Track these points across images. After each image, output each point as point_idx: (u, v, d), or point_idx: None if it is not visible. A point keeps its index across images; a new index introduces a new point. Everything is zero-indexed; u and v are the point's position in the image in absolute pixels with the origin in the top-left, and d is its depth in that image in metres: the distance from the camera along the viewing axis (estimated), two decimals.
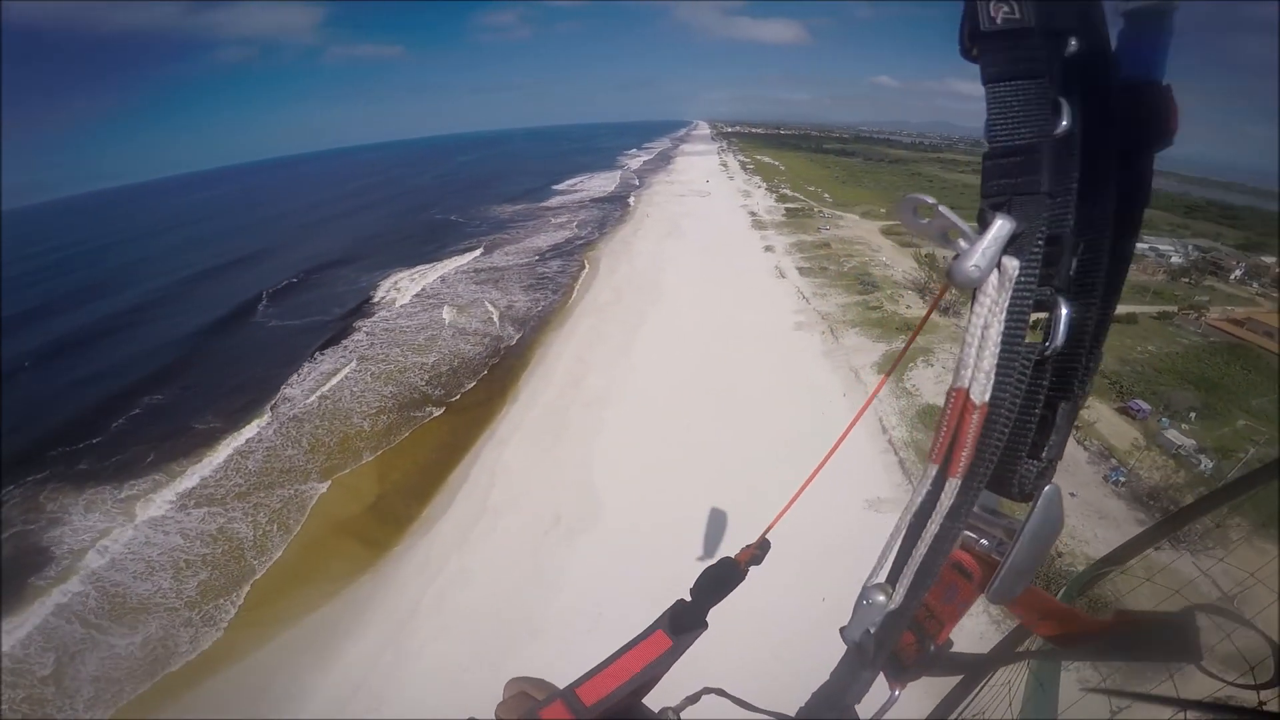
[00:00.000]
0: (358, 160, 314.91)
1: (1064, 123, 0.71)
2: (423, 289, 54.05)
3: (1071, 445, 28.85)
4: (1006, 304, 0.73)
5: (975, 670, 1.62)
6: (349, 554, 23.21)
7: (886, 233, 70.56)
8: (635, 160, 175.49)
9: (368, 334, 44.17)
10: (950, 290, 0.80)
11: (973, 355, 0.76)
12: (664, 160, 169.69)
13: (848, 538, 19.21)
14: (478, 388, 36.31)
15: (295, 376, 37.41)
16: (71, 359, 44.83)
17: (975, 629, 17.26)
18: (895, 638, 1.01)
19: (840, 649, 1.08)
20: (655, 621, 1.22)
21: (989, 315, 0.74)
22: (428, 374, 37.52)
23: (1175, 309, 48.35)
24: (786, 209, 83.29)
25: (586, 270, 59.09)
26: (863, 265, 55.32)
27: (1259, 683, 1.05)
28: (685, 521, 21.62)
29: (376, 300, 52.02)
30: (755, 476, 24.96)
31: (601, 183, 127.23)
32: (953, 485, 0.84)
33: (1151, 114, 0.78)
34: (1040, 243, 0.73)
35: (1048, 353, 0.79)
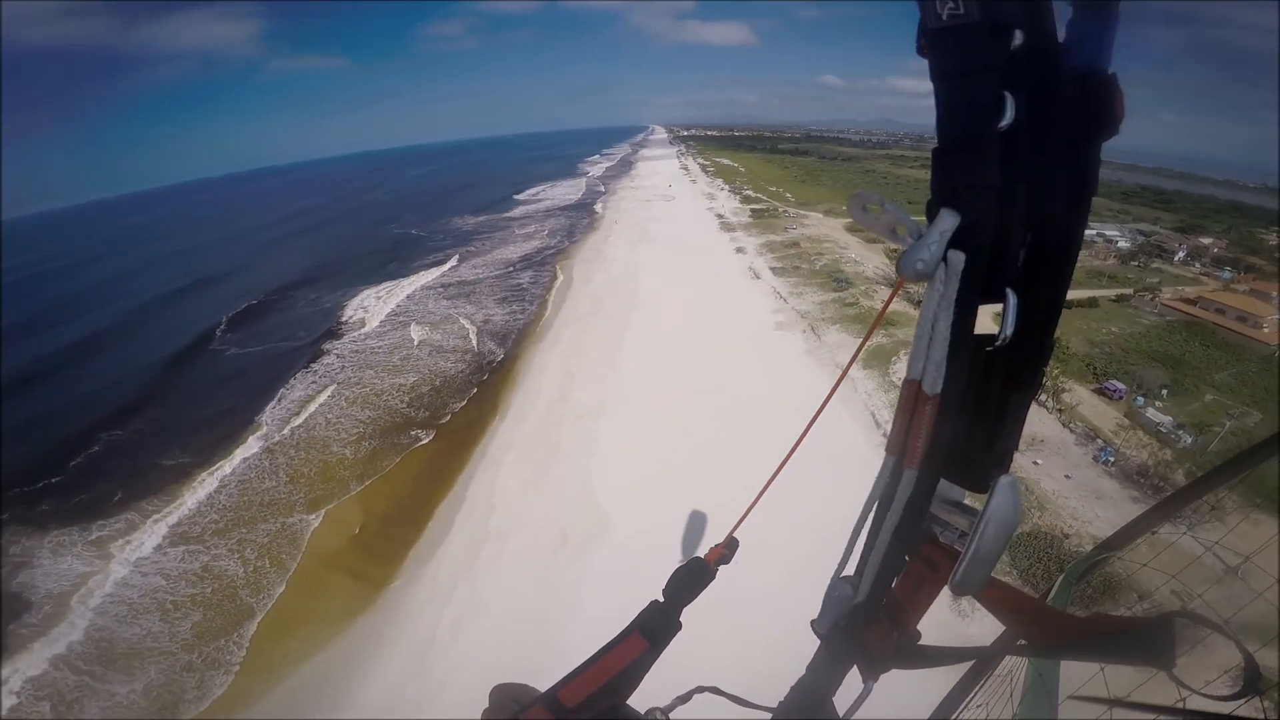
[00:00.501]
0: (305, 176, 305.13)
1: (1010, 115, 0.71)
2: (393, 308, 52.16)
3: (1058, 428, 29.61)
4: (954, 296, 0.75)
5: (955, 664, 1.53)
6: (351, 588, 21.99)
7: (851, 230, 71.91)
8: (597, 167, 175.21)
9: (339, 357, 42.23)
10: (907, 285, 0.81)
11: (924, 347, 0.79)
12: (625, 166, 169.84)
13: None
14: (461, 407, 35.06)
15: (266, 407, 35.37)
16: (20, 396, 41.42)
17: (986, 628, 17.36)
18: (862, 630, 1.03)
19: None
20: (630, 624, 1.24)
21: (937, 308, 0.76)
22: (407, 396, 36.06)
23: (1131, 291, 50.62)
24: (752, 210, 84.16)
25: (560, 280, 58.21)
26: (834, 263, 56.16)
27: (1231, 693, 0.99)
28: (694, 525, 21.20)
29: (344, 321, 49.91)
30: (754, 475, 24.73)
31: (565, 191, 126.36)
32: (910, 476, 0.87)
33: (1099, 104, 0.78)
34: (987, 235, 0.73)
35: (998, 343, 0.81)
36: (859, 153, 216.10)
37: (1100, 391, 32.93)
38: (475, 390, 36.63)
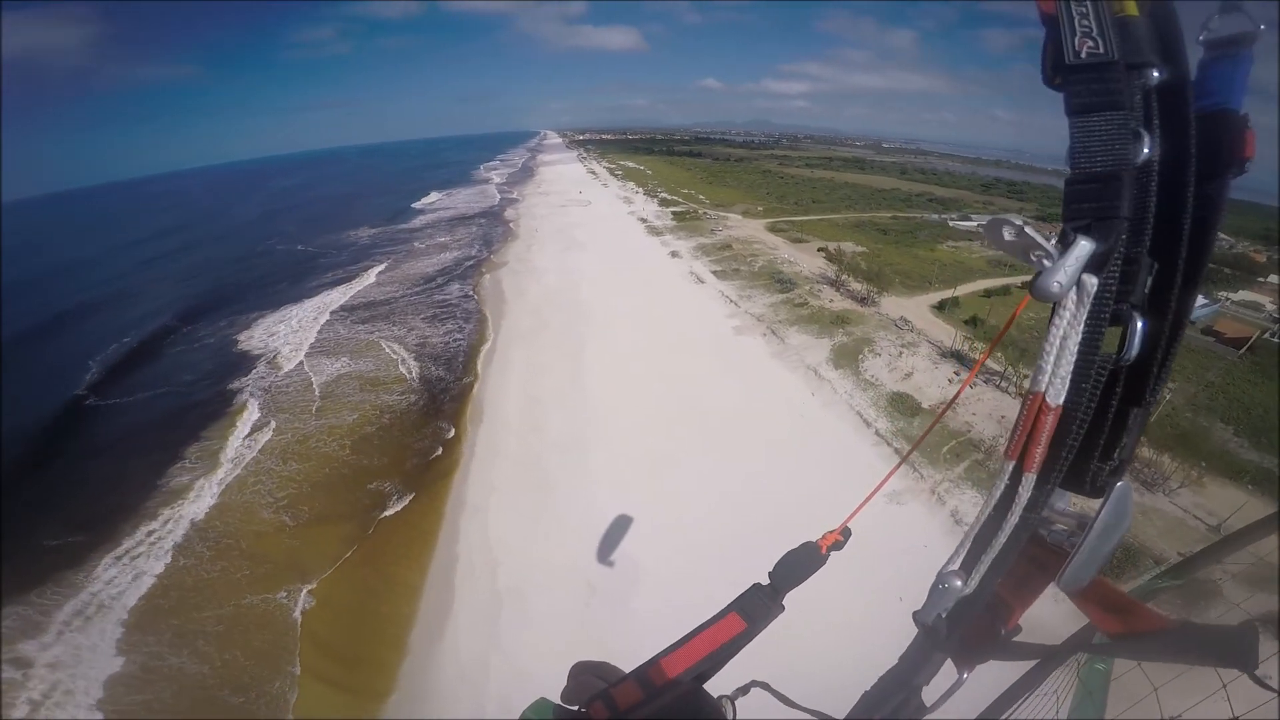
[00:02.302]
0: (150, 192, 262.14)
1: (1144, 151, 0.76)
2: (303, 336, 45.49)
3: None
4: (1084, 318, 0.80)
5: (1042, 661, 1.55)
6: (352, 679, 17.98)
7: (773, 230, 74.02)
8: (495, 173, 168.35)
9: (251, 398, 35.86)
10: (1031, 302, 0.87)
11: (1050, 363, 0.84)
12: (526, 172, 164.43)
13: (876, 534, 18.85)
14: (416, 445, 30.77)
15: (175, 469, 28.97)
16: None
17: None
18: (966, 622, 1.08)
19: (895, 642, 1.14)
20: (729, 605, 1.27)
21: (1068, 327, 0.81)
22: (348, 439, 31.07)
23: (1033, 277, 55.90)
24: (673, 213, 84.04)
25: (493, 293, 54.12)
26: (771, 264, 56.99)
27: None
28: (729, 551, 19.83)
29: (248, 357, 42.68)
30: (772, 485, 24.83)
31: (469, 199, 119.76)
32: (1028, 480, 0.91)
33: (1229, 142, 0.82)
34: (1118, 262, 0.79)
35: (1122, 363, 0.86)
36: (745, 153, 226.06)
37: None
38: (430, 426, 32.41)
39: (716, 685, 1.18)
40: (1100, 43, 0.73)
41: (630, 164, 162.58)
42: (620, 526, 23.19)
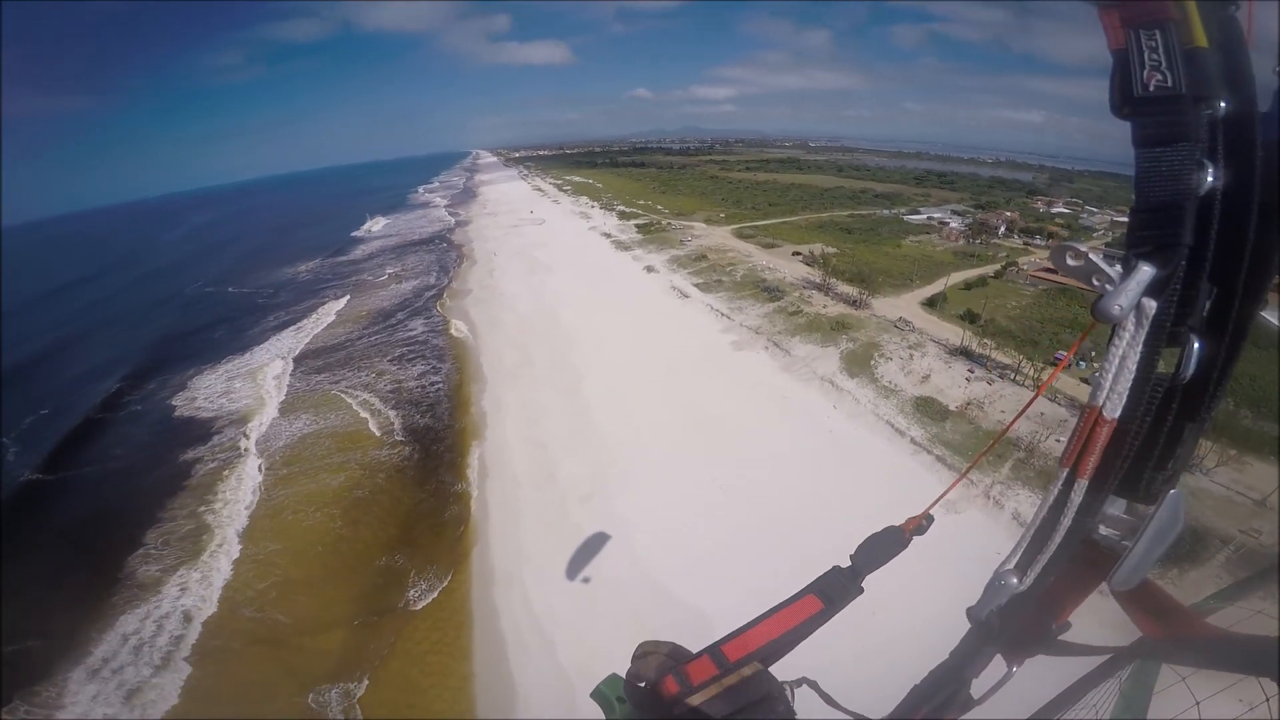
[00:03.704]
0: (55, 235, 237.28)
1: (1208, 180, 0.78)
2: (259, 393, 40.33)
3: (1049, 405, 30.61)
4: (1143, 339, 0.84)
5: (1085, 676, 1.64)
6: None
7: (741, 236, 73.17)
8: (435, 196, 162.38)
9: (221, 467, 30.97)
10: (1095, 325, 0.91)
11: (1108, 379, 0.89)
12: (468, 194, 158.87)
13: (940, 546, 17.08)
14: (419, 510, 26.98)
15: (137, 558, 24.12)
16: None
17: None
18: (1018, 617, 1.12)
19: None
20: (808, 585, 1.29)
21: (1127, 347, 0.85)
22: (339, 507, 26.96)
23: (1000, 267, 56.96)
24: (636, 226, 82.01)
25: (463, 324, 50.15)
26: (752, 272, 55.69)
27: None
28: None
29: (195, 422, 37.32)
30: (829, 510, 22.84)
31: (411, 224, 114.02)
32: (1081, 486, 0.97)
33: None
34: (1178, 288, 0.82)
35: (1178, 382, 0.89)
36: (686, 160, 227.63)
37: (1054, 363, 35.22)
38: (431, 485, 28.62)
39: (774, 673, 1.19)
40: (1169, 76, 0.75)
41: (577, 178, 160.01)
42: (673, 576, 20.62)
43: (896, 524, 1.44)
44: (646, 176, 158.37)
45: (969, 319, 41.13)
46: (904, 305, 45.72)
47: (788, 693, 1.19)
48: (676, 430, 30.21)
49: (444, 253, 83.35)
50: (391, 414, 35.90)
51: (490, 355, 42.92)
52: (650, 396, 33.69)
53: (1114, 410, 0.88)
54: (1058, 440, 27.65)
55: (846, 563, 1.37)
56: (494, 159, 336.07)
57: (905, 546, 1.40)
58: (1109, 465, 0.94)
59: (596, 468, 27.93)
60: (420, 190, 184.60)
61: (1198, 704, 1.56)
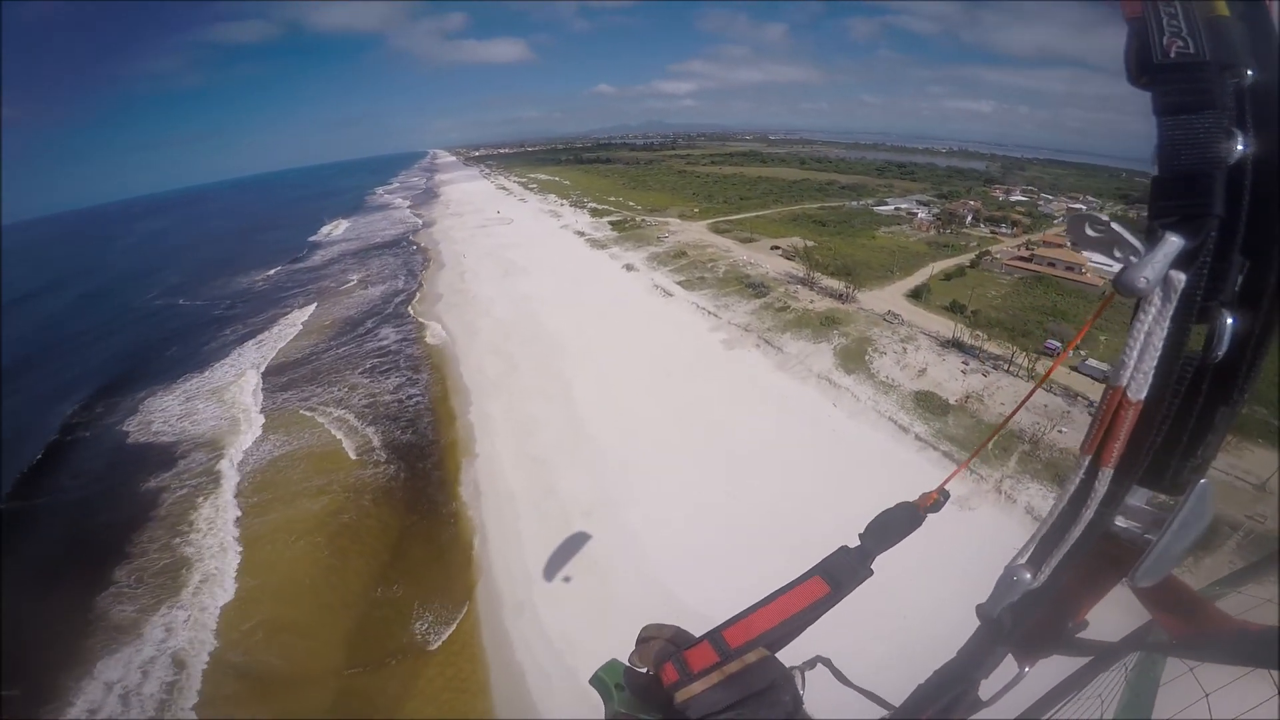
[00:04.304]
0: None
1: (1238, 149, 0.74)
2: (222, 414, 37.55)
3: (1046, 396, 30.66)
4: (1170, 314, 0.79)
5: (1091, 661, 1.56)
6: None
7: (717, 231, 72.44)
8: (395, 197, 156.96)
9: (191, 494, 28.45)
10: (1113, 298, 0.86)
11: (1133, 357, 0.82)
12: (429, 194, 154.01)
13: (951, 544, 16.75)
14: (406, 535, 25.20)
15: (106, 597, 21.63)
16: None
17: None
18: (1031, 615, 1.06)
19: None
20: (814, 567, 1.20)
21: (1153, 323, 0.80)
22: (325, 535, 24.96)
23: (975, 256, 57.64)
24: (610, 223, 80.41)
25: (438, 331, 47.97)
26: (734, 268, 54.94)
27: None
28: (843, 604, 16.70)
29: (163, 447, 34.31)
30: (849, 514, 21.31)
31: (372, 227, 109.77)
32: (1105, 474, 0.91)
33: None
34: (1207, 260, 0.77)
35: (1209, 361, 0.83)
36: (650, 155, 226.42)
37: (1044, 352, 35.48)
38: (422, 507, 26.80)
39: (785, 656, 1.13)
40: (1190, 43, 0.72)
41: (543, 176, 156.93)
42: (687, 587, 19.55)
43: (910, 500, 1.31)
44: (614, 172, 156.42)
45: (956, 310, 41.21)
46: (889, 298, 45.67)
47: (797, 678, 1.12)
48: (675, 435, 29.15)
49: (410, 255, 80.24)
50: (370, 431, 33.78)
51: (470, 364, 41.00)
52: (645, 401, 32.52)
53: (1139, 391, 0.82)
54: (1060, 432, 27.66)
55: (855, 542, 1.26)
56: (453, 158, 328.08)
57: (920, 524, 1.28)
58: (1134, 452, 0.86)
59: (596, 480, 26.64)
60: (379, 191, 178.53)
61: (1206, 696, 1.48)
